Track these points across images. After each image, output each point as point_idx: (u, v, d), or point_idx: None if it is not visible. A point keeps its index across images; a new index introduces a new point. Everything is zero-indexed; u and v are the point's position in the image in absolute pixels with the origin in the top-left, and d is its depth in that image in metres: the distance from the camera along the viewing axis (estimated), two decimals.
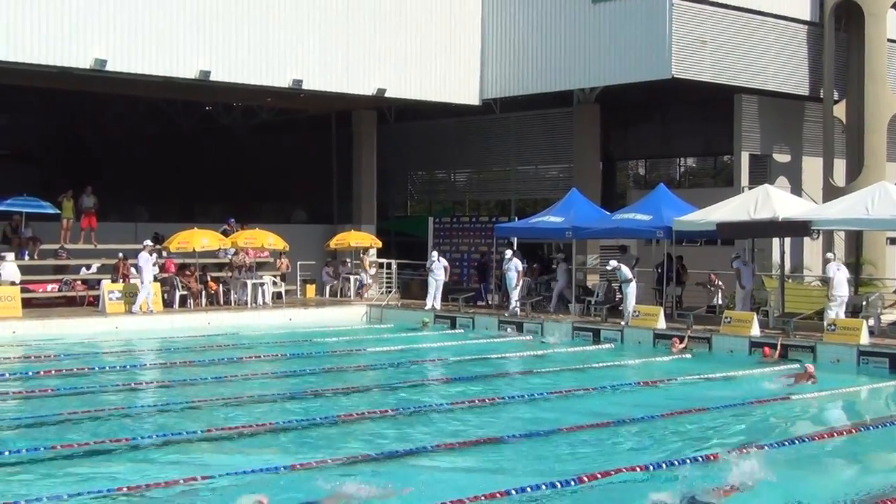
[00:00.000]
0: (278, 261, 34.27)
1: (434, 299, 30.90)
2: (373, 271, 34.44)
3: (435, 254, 31.94)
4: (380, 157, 40.65)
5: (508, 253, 29.42)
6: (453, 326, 29.36)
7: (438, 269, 31.06)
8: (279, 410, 16.57)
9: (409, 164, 46.00)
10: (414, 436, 14.52)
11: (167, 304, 30.07)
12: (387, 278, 36.78)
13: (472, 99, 36.21)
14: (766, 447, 13.58)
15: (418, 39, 34.65)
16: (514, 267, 28.99)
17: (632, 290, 26.86)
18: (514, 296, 29.14)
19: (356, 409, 16.48)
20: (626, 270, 27.08)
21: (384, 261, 37.20)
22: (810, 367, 19.69)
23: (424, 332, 28.46)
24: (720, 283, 29.32)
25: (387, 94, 34.22)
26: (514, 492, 11.02)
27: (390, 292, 35.70)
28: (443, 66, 35.29)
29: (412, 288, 35.15)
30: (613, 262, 27.60)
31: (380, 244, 36.69)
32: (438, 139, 43.83)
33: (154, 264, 29.25)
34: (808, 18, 34.38)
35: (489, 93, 36.24)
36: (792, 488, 11.59)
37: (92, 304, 29.90)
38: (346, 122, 40.97)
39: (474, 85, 36.03)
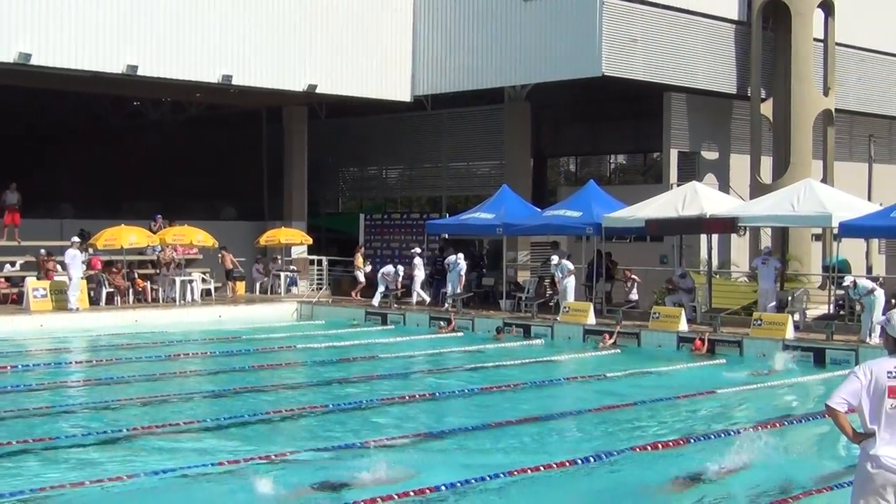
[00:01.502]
0: (222, 256, 33.80)
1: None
2: (368, 268, 33.64)
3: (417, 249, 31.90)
4: (311, 154, 40.42)
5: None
6: (384, 323, 29.30)
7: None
8: (206, 408, 16.41)
9: (341, 160, 45.84)
10: (346, 433, 14.43)
11: (93, 301, 29.64)
12: (318, 275, 36.62)
13: (404, 95, 36.13)
14: (692, 440, 13.74)
15: (350, 35, 34.50)
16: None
17: (571, 283, 27.04)
18: (449, 289, 29.33)
19: (285, 406, 16.36)
20: (567, 263, 27.26)
21: (315, 258, 37.05)
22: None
23: (356, 329, 28.37)
24: (635, 276, 29.59)
25: (318, 90, 34.04)
26: (443, 487, 11.00)
27: (321, 289, 35.54)
28: (374, 62, 35.17)
29: (343, 285, 35.02)
30: (555, 258, 27.71)
31: (310, 241, 36.58)
32: (370, 136, 43.72)
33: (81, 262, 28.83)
34: (736, 18, 34.75)
35: (421, 89, 36.19)
36: (719, 482, 11.70)
37: (15, 301, 29.38)
38: (277, 118, 40.67)
39: (406, 81, 35.96)
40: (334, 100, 37.44)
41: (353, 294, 32.72)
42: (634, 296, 29.11)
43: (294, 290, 35.11)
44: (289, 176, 39.89)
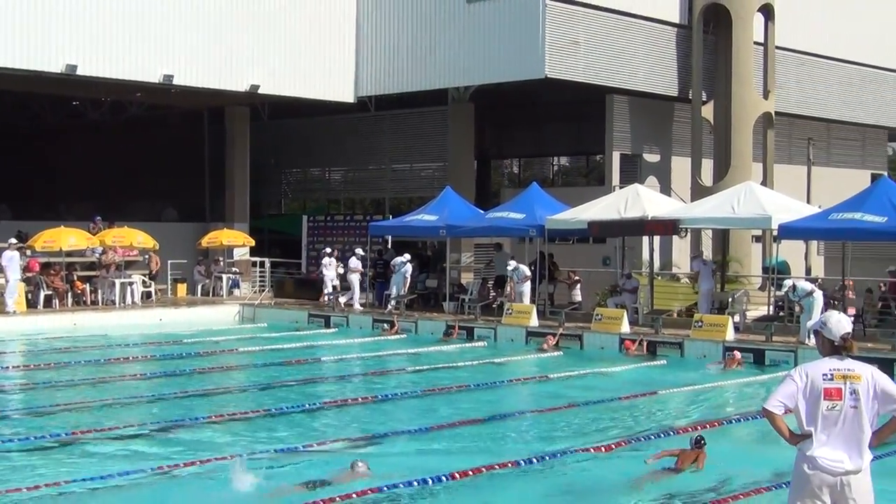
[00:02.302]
0: (149, 258, 33.49)
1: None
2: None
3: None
4: (253, 155, 40.18)
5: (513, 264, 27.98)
6: (328, 326, 29.18)
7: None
8: (146, 412, 16.23)
9: (284, 161, 45.61)
10: (289, 436, 14.34)
11: (31, 304, 29.21)
12: (260, 277, 36.40)
13: (347, 96, 36.03)
14: (633, 441, 13.81)
15: (293, 36, 34.35)
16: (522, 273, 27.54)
17: (527, 288, 27.11)
18: (393, 292, 29.28)
19: (227, 410, 16.23)
20: (524, 269, 27.30)
21: (257, 259, 36.83)
22: (738, 354, 21.20)
23: (300, 332, 28.21)
24: (577, 278, 29.74)
25: (260, 91, 33.86)
26: (384, 488, 10.98)
27: (263, 291, 35.32)
28: (317, 62, 35.04)
29: (286, 287, 34.82)
30: (513, 262, 27.72)
31: (252, 242, 36.36)
32: (313, 137, 43.56)
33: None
34: (677, 21, 35.07)
35: (364, 90, 36.11)
36: (659, 483, 11.77)
37: None
38: (219, 119, 40.38)
39: (349, 82, 35.86)
40: (277, 100, 37.26)
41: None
42: (578, 297, 29.25)
43: (236, 292, 34.87)
44: (231, 177, 39.61)
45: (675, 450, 12.36)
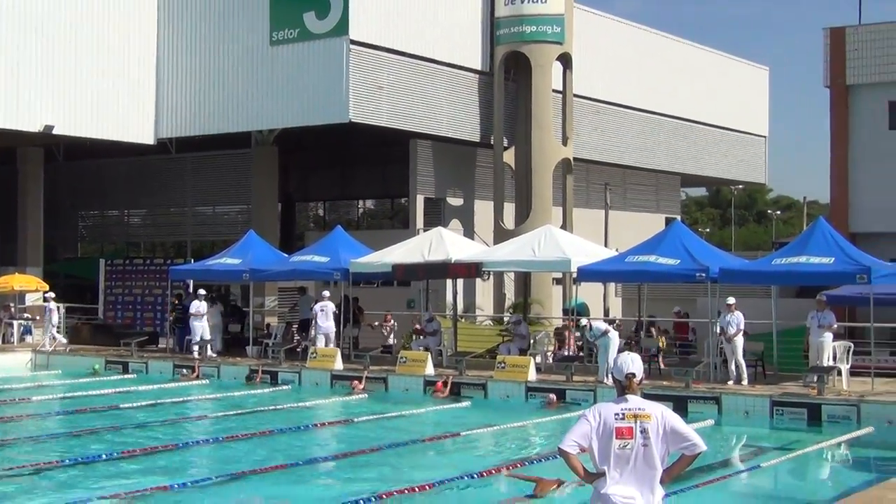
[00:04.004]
0: None
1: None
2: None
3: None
4: (48, 197, 38.86)
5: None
6: (125, 372, 28.31)
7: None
8: None
9: (81, 203, 44.26)
10: (85, 489, 13.80)
11: None
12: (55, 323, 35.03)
13: (147, 138, 35.28)
14: (436, 484, 13.82)
15: (91, 75, 33.47)
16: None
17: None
18: (196, 337, 28.53)
19: (17, 462, 15.50)
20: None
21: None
22: (553, 396, 21.62)
23: (96, 379, 27.25)
24: (394, 322, 29.84)
25: (55, 132, 32.80)
26: None
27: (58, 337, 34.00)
28: (116, 103, 34.21)
29: (82, 333, 33.60)
30: (318, 305, 27.41)
31: (46, 287, 34.95)
32: (111, 178, 42.46)
33: None
34: (479, 68, 35.76)
35: (164, 132, 35.44)
36: None
37: None
38: (11, 159, 38.89)
39: (149, 124, 35.12)
40: (73, 141, 36.17)
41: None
42: (391, 340, 29.25)
43: (29, 338, 33.47)
44: (23, 219, 38.19)
45: (534, 476, 12.40)
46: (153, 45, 35.08)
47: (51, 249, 40.76)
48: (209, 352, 28.49)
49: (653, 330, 26.29)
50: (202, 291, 29.33)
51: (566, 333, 26.66)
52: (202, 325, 28.72)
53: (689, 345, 27.01)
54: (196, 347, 28.60)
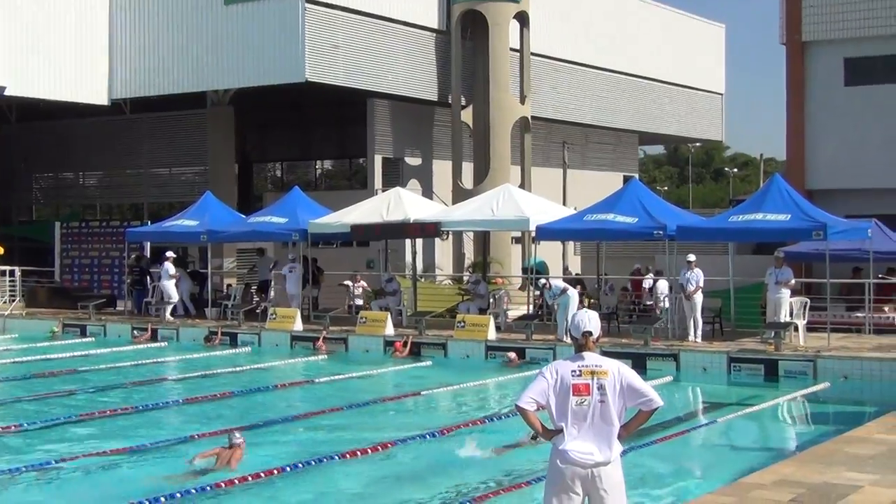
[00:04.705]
0: None
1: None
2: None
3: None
4: (0, 159, 38.33)
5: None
6: (84, 335, 28.12)
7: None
8: None
9: (35, 166, 43.66)
10: (40, 452, 13.74)
11: None
12: (10, 286, 34.72)
13: (101, 98, 34.88)
14: (397, 443, 13.86)
15: (43, 34, 32.99)
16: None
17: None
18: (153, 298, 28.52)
19: None
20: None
21: (7, 268, 35.11)
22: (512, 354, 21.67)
23: (54, 343, 27.06)
24: (364, 283, 29.69)
25: (7, 93, 32.34)
26: (146, 502, 10.66)
27: (14, 301, 33.72)
28: (68, 63, 33.77)
29: (39, 296, 33.33)
30: (287, 267, 27.39)
31: (2, 251, 34.62)
32: (66, 140, 41.88)
33: None
34: (436, 26, 35.59)
35: (119, 93, 35.06)
36: (421, 482, 11.86)
37: None
38: None
39: (102, 84, 34.71)
40: (26, 102, 35.67)
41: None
42: (360, 301, 29.17)
43: None
44: None
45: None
46: (106, 4, 34.60)
47: (5, 212, 40.33)
48: (167, 315, 28.35)
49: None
50: (170, 254, 29.19)
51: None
52: (179, 288, 28.60)
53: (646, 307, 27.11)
54: (153, 309, 28.47)
